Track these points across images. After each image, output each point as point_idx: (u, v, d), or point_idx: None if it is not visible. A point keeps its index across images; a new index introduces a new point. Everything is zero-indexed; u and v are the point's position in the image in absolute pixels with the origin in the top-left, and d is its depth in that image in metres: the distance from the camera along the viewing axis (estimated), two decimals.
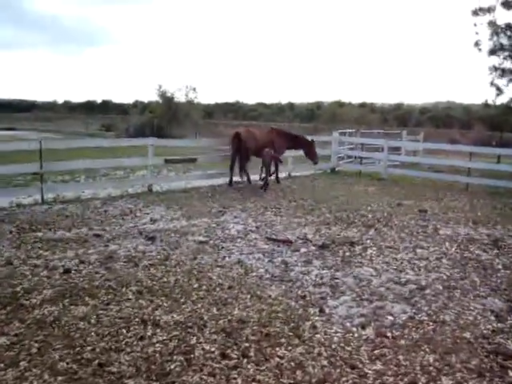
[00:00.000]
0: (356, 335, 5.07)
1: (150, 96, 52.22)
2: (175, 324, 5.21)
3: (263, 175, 14.76)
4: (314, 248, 8.12)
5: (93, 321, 5.25)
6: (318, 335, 5.03)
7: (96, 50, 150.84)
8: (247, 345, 4.79)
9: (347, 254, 7.85)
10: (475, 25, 24.08)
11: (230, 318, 5.38)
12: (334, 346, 4.80)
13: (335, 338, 4.98)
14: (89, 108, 75.81)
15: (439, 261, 7.67)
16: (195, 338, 4.93)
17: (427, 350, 4.77)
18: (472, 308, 5.85)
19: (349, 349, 4.76)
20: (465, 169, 17.99)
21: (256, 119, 65.60)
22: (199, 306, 5.70)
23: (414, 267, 7.31)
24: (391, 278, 6.76)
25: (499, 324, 5.44)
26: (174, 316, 5.40)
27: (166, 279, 6.52)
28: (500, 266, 7.53)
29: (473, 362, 4.56)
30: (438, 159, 22.27)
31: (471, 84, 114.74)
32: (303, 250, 8.01)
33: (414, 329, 5.23)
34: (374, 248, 8.20)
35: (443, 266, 7.41)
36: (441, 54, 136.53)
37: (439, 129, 48.84)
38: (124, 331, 5.04)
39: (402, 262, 7.51)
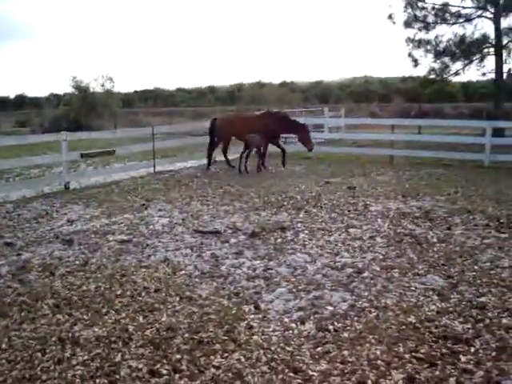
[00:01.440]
0: (296, 332, 4.68)
1: (66, 88, 50.08)
2: (97, 340, 4.64)
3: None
4: (244, 237, 7.69)
5: (4, 345, 4.61)
6: (255, 336, 4.60)
7: (8, 45, 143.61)
8: (178, 356, 4.31)
9: (279, 240, 7.47)
10: None
11: (157, 326, 4.87)
12: (273, 348, 4.38)
13: (274, 338, 4.56)
14: (1, 104, 71.74)
15: (373, 239, 7.43)
16: (120, 354, 4.40)
17: (373, 341, 4.43)
18: (413, 288, 5.59)
19: (290, 349, 4.36)
20: (388, 142, 18.06)
21: (177, 105, 64.42)
22: (123, 315, 5.16)
23: (349, 249, 7.02)
24: (327, 263, 6.43)
25: (443, 304, 5.18)
26: (96, 330, 4.83)
27: (85, 287, 5.92)
28: (435, 240, 7.37)
29: (422, 350, 4.26)
30: (360, 134, 22.33)
31: (387, 57, 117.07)
32: (233, 240, 7.57)
33: (356, 318, 4.89)
34: (306, 231, 7.87)
35: (378, 245, 7.16)
36: (354, 28, 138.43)
37: (359, 103, 49.40)
38: (39, 355, 4.43)
39: (336, 245, 7.21)
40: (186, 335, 4.67)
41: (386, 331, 4.59)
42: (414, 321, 4.78)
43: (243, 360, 4.21)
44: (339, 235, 7.67)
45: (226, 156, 15.61)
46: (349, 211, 9.17)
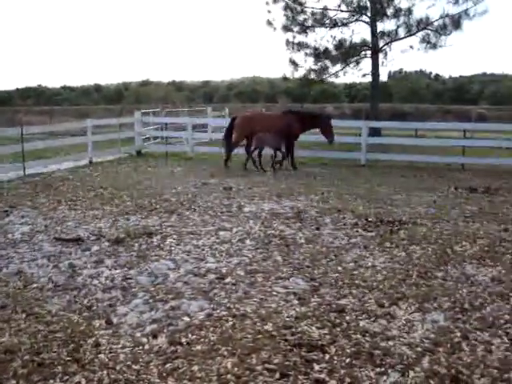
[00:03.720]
0: (147, 347, 4.35)
1: None
2: None
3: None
4: (107, 244, 7.25)
5: None
6: (101, 355, 4.23)
7: None
8: (14, 382, 3.87)
9: (144, 246, 7.10)
10: (267, 3, 24.50)
11: None
12: (119, 367, 4.03)
13: (122, 356, 4.22)
14: None
15: (242, 242, 7.26)
16: None
17: (225, 353, 4.19)
18: (274, 293, 5.44)
19: (137, 367, 4.02)
20: None
21: (60, 103, 61.92)
22: None
23: (216, 253, 6.79)
24: (190, 270, 6.15)
25: (303, 308, 5.06)
26: None
27: None
28: (303, 240, 7.32)
29: (275, 360, 4.08)
30: None
31: (274, 58, 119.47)
32: (95, 248, 7.11)
33: (211, 329, 4.64)
34: (175, 236, 7.56)
35: (246, 248, 6.99)
36: (245, 29, 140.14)
37: (246, 103, 49.76)
38: None
39: (203, 249, 6.95)
40: (26, 357, 4.22)
41: (241, 341, 4.38)
42: (270, 328, 4.61)
43: (84, 383, 3.85)
44: (208, 239, 7.43)
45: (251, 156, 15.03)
46: (222, 213, 8.98)
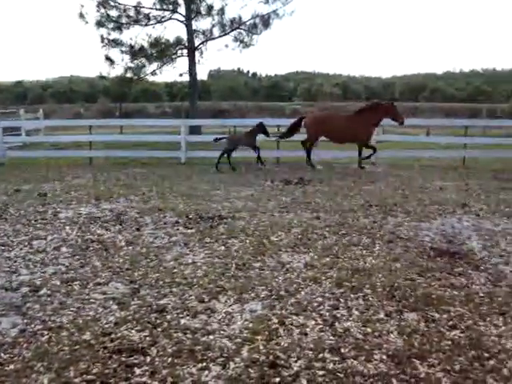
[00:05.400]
0: None
1: None
2: None
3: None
4: None
5: None
6: None
7: None
8: None
9: None
10: None
11: None
12: None
13: None
14: None
15: (58, 250, 6.93)
16: None
17: (41, 369, 3.97)
18: (93, 300, 5.27)
19: None
20: (87, 143, 17.62)
21: None
22: None
23: (30, 264, 6.41)
24: (1, 285, 5.73)
25: (122, 312, 4.97)
26: None
27: None
28: (123, 243, 7.19)
29: (94, 370, 3.95)
30: (61, 136, 21.36)
31: (92, 57, 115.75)
32: None
33: (25, 345, 4.38)
34: None
35: (62, 256, 6.69)
36: (60, 29, 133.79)
37: (63, 104, 47.71)
38: None
39: (15, 261, 6.52)
40: None
41: (57, 355, 4.19)
42: (88, 338, 4.46)
43: None
44: (21, 249, 6.98)
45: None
46: (36, 221, 8.49)
